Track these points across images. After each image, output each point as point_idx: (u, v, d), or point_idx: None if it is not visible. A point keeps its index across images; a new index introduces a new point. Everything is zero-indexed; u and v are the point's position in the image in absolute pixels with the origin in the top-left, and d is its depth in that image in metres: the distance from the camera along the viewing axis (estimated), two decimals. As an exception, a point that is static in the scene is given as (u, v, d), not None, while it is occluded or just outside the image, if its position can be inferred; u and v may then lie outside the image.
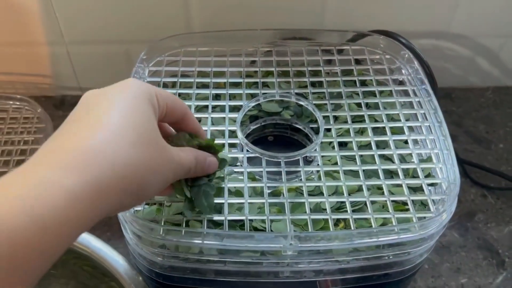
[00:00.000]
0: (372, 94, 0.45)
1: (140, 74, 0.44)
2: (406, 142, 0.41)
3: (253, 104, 0.43)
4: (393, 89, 0.44)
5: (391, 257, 0.35)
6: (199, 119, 0.42)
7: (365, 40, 0.48)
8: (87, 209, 0.23)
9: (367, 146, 0.40)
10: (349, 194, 0.37)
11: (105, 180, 0.24)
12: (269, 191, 0.38)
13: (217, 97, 0.45)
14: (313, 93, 0.45)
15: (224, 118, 0.42)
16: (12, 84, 0.63)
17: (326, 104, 0.44)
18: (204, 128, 0.40)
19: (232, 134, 0.41)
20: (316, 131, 0.42)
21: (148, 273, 0.37)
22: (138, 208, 0.36)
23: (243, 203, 0.36)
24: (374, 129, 0.41)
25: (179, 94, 0.44)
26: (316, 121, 0.42)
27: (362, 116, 0.42)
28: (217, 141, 0.37)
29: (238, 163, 0.40)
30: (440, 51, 0.62)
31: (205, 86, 0.45)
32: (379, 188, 0.37)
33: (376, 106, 0.44)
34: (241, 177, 0.38)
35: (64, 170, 0.23)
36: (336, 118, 0.43)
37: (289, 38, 0.49)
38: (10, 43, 0.59)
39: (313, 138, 0.43)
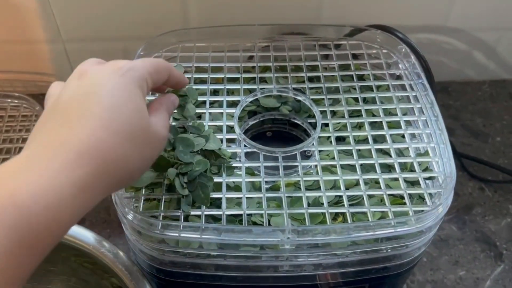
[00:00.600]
0: (370, 88, 0.45)
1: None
2: (403, 136, 0.41)
3: (251, 99, 0.43)
4: (390, 84, 0.45)
5: (389, 250, 0.35)
6: (198, 115, 0.42)
7: (362, 35, 0.48)
8: (78, 202, 0.24)
9: (365, 140, 0.41)
10: (347, 188, 0.37)
11: (96, 176, 0.25)
12: (268, 186, 0.38)
13: (215, 92, 0.45)
14: (311, 88, 0.45)
15: (222, 113, 0.42)
16: (10, 82, 0.63)
17: (323, 99, 0.44)
18: (203, 123, 0.41)
19: (231, 129, 0.41)
20: (314, 126, 0.42)
21: (149, 268, 0.37)
22: (137, 204, 0.36)
23: (241, 197, 0.36)
24: (371, 123, 0.42)
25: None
26: (314, 116, 0.42)
27: (360, 110, 0.42)
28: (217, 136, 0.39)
29: (237, 158, 0.40)
30: (437, 45, 0.63)
31: (203, 81, 0.45)
32: (377, 182, 0.37)
33: (373, 101, 0.44)
34: (240, 172, 0.38)
35: (61, 164, 0.24)
36: (334, 113, 0.43)
37: (287, 33, 0.49)
38: (7, 41, 0.59)
39: (312, 133, 0.43)
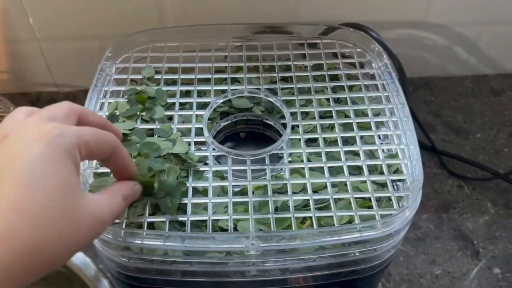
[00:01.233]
0: (342, 88, 0.44)
1: (106, 71, 0.43)
2: (379, 137, 0.40)
3: (221, 100, 0.43)
4: (363, 84, 0.44)
5: (357, 254, 0.35)
6: (169, 117, 0.42)
7: (336, 34, 0.47)
8: None
9: (336, 142, 0.40)
10: (316, 191, 0.36)
11: (5, 268, 0.22)
12: (238, 189, 0.37)
13: (187, 93, 0.44)
14: (283, 88, 0.44)
15: (191, 115, 0.42)
16: (-15, 82, 0.62)
17: (295, 100, 0.43)
18: (171, 126, 0.40)
19: (201, 131, 0.41)
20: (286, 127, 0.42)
21: (117, 275, 0.37)
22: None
23: (207, 202, 0.35)
24: (343, 124, 0.41)
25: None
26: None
27: (331, 111, 0.42)
28: (184, 139, 0.38)
29: (208, 161, 0.40)
30: (418, 40, 0.62)
31: (174, 82, 0.45)
32: (346, 184, 0.37)
33: (345, 101, 0.43)
34: (208, 176, 0.37)
35: None
36: (306, 113, 0.43)
37: (260, 32, 0.48)
38: (-19, 41, 0.58)
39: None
